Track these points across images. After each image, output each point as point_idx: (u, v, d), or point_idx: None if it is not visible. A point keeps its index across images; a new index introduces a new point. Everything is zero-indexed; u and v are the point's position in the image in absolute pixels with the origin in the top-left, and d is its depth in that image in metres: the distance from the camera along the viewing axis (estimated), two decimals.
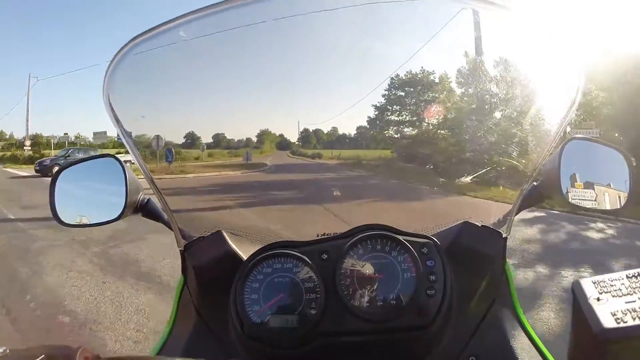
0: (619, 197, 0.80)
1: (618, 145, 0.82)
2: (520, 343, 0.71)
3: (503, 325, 0.73)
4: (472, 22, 0.78)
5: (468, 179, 0.90)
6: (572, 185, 0.77)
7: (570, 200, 0.76)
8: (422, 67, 1.10)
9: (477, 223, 0.80)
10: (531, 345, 0.70)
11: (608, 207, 0.80)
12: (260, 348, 0.68)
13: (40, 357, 0.38)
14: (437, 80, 1.10)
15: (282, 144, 1.30)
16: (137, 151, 0.73)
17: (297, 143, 1.27)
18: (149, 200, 0.83)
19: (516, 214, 0.78)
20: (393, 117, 1.22)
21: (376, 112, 1.15)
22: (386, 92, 1.11)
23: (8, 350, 0.40)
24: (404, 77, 1.13)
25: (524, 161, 0.83)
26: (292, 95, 1.02)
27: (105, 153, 0.87)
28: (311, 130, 1.21)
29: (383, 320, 0.68)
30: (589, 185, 0.79)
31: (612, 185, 0.81)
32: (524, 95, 0.89)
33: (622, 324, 0.32)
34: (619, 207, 0.79)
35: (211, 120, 1.05)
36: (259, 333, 0.68)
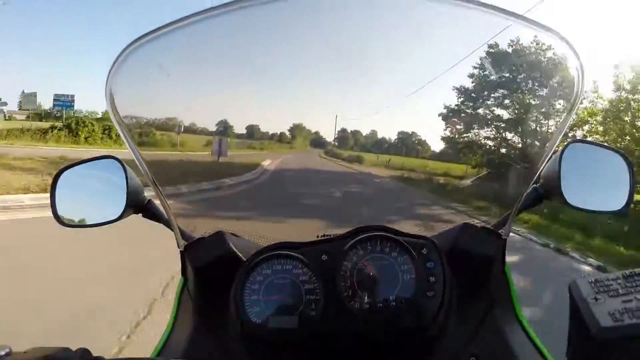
0: (619, 199, 0.80)
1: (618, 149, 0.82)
2: (520, 344, 0.71)
3: (503, 326, 0.73)
4: (477, 28, 0.78)
5: (468, 181, 0.90)
6: (572, 187, 0.77)
7: (569, 202, 0.76)
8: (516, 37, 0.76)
9: (476, 224, 0.80)
10: (531, 346, 0.70)
11: (608, 209, 0.80)
12: (260, 349, 0.69)
13: (40, 359, 0.38)
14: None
15: (317, 141, 1.15)
16: (138, 152, 0.74)
17: (333, 142, 1.10)
18: (149, 200, 0.84)
19: (516, 215, 0.78)
20: (493, 110, 0.93)
21: (460, 99, 0.90)
22: (476, 71, 0.87)
23: (11, 351, 0.40)
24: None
25: (524, 163, 0.83)
26: (329, 89, 0.94)
27: (106, 154, 0.87)
28: (349, 131, 1.06)
29: (383, 321, 0.68)
30: (589, 187, 0.79)
31: (611, 188, 0.81)
32: (525, 98, 0.89)
33: (619, 323, 0.32)
34: (618, 209, 0.80)
35: (235, 113, 0.99)
36: (259, 334, 0.69)
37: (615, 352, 0.33)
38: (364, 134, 1.08)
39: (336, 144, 1.11)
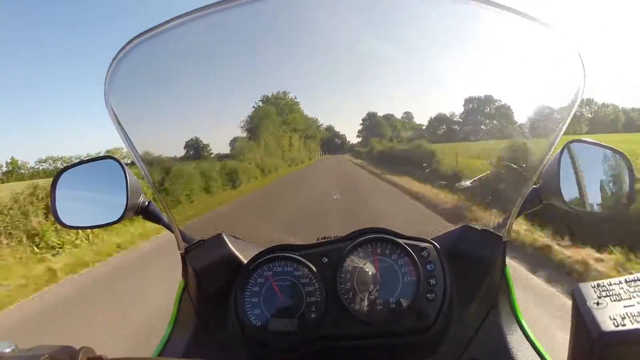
0: (618, 199, 0.80)
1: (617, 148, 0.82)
2: (520, 346, 0.71)
3: (503, 328, 0.74)
4: (474, 23, 0.77)
5: (468, 182, 0.90)
6: (571, 188, 0.77)
7: (569, 203, 0.76)
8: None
9: (476, 227, 0.80)
10: (531, 348, 0.71)
11: (607, 210, 0.80)
12: (261, 351, 0.69)
13: (43, 357, 0.38)
14: None
15: (332, 142, 0.77)
16: (138, 154, 0.73)
17: (355, 139, 0.75)
18: (150, 202, 0.83)
19: (516, 217, 0.78)
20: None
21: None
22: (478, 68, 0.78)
23: (16, 348, 0.40)
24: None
25: (523, 164, 0.83)
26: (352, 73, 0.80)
27: (106, 155, 0.87)
28: (380, 115, 0.76)
29: (383, 323, 0.68)
30: (588, 188, 0.79)
31: (611, 188, 0.81)
32: (524, 98, 0.89)
33: (620, 328, 0.32)
34: (618, 209, 0.80)
35: (228, 120, 0.90)
36: (259, 336, 0.69)
37: (617, 356, 0.33)
38: (398, 118, 0.78)
39: (364, 137, 0.78)
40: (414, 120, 0.80)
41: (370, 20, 0.78)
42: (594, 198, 0.79)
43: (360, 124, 0.73)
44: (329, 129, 0.77)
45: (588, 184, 0.80)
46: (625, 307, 0.34)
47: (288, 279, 0.72)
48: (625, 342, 0.32)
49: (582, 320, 0.35)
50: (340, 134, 0.76)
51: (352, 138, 0.78)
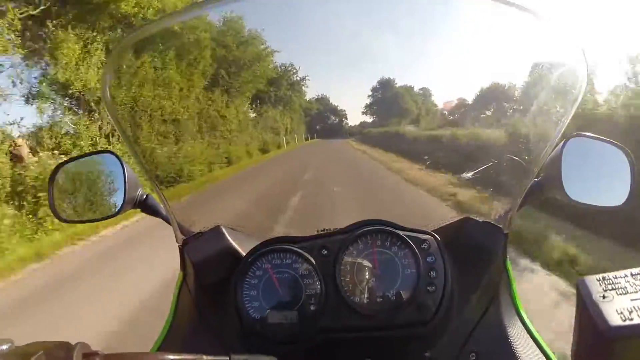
0: (620, 194, 0.79)
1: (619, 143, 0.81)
2: (520, 339, 0.71)
3: (503, 321, 0.73)
4: (478, 19, 0.76)
5: (469, 174, 0.89)
6: (573, 182, 0.77)
7: (570, 196, 0.75)
8: None
9: (478, 218, 0.80)
10: (532, 341, 0.70)
11: (609, 204, 0.80)
12: (260, 344, 0.69)
13: (38, 354, 0.38)
14: None
15: (326, 120, 0.69)
16: (136, 147, 0.72)
17: (365, 115, 0.73)
18: (147, 195, 0.83)
19: (517, 210, 0.78)
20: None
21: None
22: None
23: (12, 345, 0.40)
24: None
25: (526, 157, 0.83)
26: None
27: (104, 149, 0.86)
28: (398, 85, 0.73)
29: (383, 316, 0.68)
30: (590, 182, 0.79)
31: (613, 182, 0.80)
32: (527, 91, 0.88)
33: (628, 322, 0.32)
34: (619, 204, 0.79)
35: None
36: (258, 329, 0.69)
37: (624, 350, 0.33)
38: (416, 91, 0.71)
39: (374, 117, 0.68)
40: (432, 99, 0.72)
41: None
42: (596, 192, 0.79)
43: (369, 96, 0.59)
44: (322, 100, 0.63)
45: (590, 178, 0.79)
46: (632, 300, 0.34)
47: (287, 272, 0.72)
48: (633, 336, 0.32)
49: (588, 314, 0.34)
50: (339, 109, 0.61)
51: (357, 116, 0.63)
